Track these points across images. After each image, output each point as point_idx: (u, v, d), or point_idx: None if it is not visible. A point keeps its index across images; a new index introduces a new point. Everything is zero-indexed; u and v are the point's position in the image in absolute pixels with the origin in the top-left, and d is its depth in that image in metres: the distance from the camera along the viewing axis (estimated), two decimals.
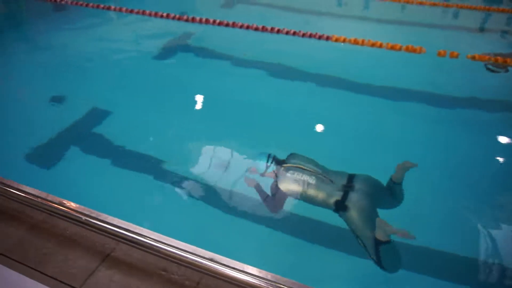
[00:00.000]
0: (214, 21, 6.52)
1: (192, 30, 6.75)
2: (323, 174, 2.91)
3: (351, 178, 2.88)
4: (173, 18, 6.71)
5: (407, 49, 5.77)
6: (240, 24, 6.38)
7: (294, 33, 6.20)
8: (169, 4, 7.63)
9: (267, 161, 3.06)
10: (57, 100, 4.93)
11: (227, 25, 6.40)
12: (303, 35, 6.15)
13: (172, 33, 6.69)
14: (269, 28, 6.27)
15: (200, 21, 6.59)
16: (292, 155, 3.15)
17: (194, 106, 4.93)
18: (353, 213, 2.70)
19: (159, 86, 5.34)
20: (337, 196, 2.76)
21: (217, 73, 5.66)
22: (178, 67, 5.85)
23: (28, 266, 2.09)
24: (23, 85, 5.22)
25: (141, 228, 2.19)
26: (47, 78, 5.42)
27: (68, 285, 1.97)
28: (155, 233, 2.15)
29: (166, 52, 6.12)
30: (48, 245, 2.22)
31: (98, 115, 4.60)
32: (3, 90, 5.11)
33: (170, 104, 4.92)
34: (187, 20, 6.62)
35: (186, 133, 4.40)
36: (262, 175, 3.11)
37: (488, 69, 5.57)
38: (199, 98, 5.06)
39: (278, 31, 6.23)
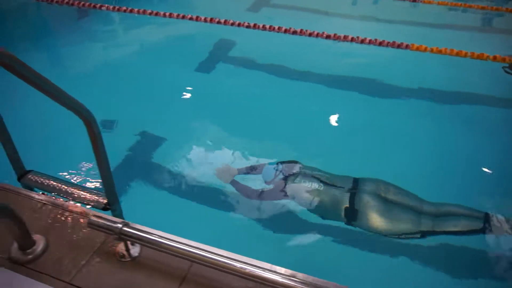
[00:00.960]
0: (254, 25, 6.14)
1: (225, 35, 6.36)
2: (331, 181, 2.91)
3: (356, 181, 2.90)
4: (204, 21, 6.38)
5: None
6: (285, 28, 6.00)
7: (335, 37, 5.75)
8: (193, 8, 7.34)
9: (276, 169, 3.10)
10: (103, 124, 4.08)
11: (264, 28, 6.06)
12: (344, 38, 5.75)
13: (206, 39, 6.28)
14: (305, 31, 5.89)
15: (233, 24, 6.24)
16: (302, 165, 3.16)
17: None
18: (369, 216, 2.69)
19: (210, 103, 4.74)
20: (346, 202, 2.76)
21: (264, 82, 5.20)
22: (223, 79, 5.30)
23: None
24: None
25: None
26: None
27: None
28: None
29: (207, 63, 5.60)
30: None
31: (150, 141, 4.08)
32: (35, 113, 4.19)
33: (230, 123, 4.34)
34: (219, 23, 6.27)
35: (244, 151, 3.88)
36: (269, 183, 3.12)
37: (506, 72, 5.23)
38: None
39: (318, 35, 5.82)
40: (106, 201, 2.10)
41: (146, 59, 5.73)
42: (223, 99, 4.81)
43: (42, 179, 2.20)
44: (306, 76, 5.28)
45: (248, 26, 6.11)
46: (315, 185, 2.90)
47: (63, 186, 2.20)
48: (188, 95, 4.92)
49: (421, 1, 7.90)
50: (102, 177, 1.99)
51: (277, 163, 3.19)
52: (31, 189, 2.19)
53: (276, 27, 5.99)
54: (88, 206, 2.10)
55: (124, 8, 6.66)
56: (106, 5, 6.76)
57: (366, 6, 8.22)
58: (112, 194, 2.08)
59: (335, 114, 4.53)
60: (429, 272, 2.74)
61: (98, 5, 6.76)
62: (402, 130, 4.26)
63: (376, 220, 2.74)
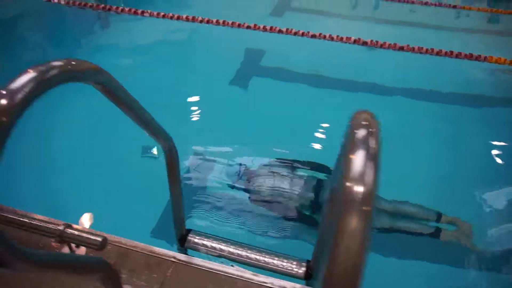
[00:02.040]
0: (287, 30, 5.84)
1: (251, 40, 6.14)
2: (293, 178, 2.93)
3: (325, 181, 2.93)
4: (232, 25, 6.07)
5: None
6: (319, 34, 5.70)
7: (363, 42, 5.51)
8: (215, 12, 7.00)
9: (239, 171, 3.08)
10: (147, 150, 3.69)
11: (293, 33, 5.77)
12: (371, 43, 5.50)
13: (229, 44, 6.04)
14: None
15: (263, 28, 5.94)
16: (266, 164, 3.18)
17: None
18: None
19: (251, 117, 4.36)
20: (310, 197, 2.80)
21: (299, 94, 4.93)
22: (256, 91, 4.97)
23: None
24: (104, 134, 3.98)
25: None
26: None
27: None
28: None
29: (241, 73, 5.29)
30: None
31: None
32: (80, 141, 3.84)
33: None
34: (248, 28, 5.97)
35: None
36: (233, 184, 3.09)
37: None
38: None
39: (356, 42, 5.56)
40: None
41: (167, 68, 5.46)
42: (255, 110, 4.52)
43: (205, 240, 1.79)
44: (339, 84, 5.06)
45: (280, 31, 5.85)
46: (279, 183, 2.94)
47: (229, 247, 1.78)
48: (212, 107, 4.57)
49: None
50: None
51: (239, 164, 3.18)
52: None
53: (310, 33, 5.72)
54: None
55: (140, 10, 6.39)
56: (119, 6, 6.49)
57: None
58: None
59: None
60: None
61: (114, 7, 6.47)
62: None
63: None
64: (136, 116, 1.26)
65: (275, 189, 2.91)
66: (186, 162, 3.50)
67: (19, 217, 1.43)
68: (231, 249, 1.71)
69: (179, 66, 5.46)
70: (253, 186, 2.97)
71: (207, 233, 1.79)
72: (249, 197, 2.98)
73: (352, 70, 5.36)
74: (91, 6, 6.69)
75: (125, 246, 1.76)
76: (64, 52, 5.59)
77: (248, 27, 5.91)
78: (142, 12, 6.25)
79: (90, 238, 1.30)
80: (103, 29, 6.91)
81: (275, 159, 3.24)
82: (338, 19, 7.39)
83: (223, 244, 1.73)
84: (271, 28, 5.87)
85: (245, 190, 3.04)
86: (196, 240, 1.76)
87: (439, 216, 2.96)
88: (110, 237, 1.75)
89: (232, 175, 3.11)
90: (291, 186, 2.91)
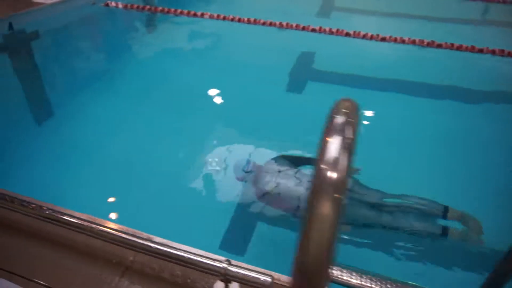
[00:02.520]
0: (337, 31, 5.81)
1: (304, 42, 5.99)
2: (301, 176, 2.90)
3: None
4: (272, 25, 6.13)
5: None
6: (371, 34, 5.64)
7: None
8: (260, 12, 6.93)
9: (246, 166, 3.05)
10: (215, 164, 3.60)
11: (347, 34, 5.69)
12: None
13: (278, 46, 5.92)
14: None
15: (315, 30, 5.96)
16: (272, 160, 3.14)
17: None
18: None
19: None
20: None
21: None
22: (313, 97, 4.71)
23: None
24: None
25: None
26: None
27: None
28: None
29: (294, 80, 5.06)
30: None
31: None
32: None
33: None
34: (296, 29, 6.00)
35: None
36: (239, 179, 3.10)
37: None
38: None
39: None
40: None
41: (208, 67, 5.45)
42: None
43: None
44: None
45: (331, 32, 5.85)
46: (285, 181, 2.89)
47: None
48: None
49: None
50: None
51: (248, 160, 3.10)
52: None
53: (366, 34, 5.65)
54: None
55: (186, 11, 6.56)
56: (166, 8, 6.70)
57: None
58: None
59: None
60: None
61: (166, 9, 6.72)
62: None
63: None
64: None
65: (281, 187, 2.87)
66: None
67: (183, 253, 1.60)
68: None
69: (217, 65, 5.51)
70: (260, 183, 2.95)
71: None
72: (255, 193, 2.97)
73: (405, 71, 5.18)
74: (149, 9, 6.94)
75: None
76: (120, 53, 5.93)
77: (296, 27, 5.93)
78: (188, 13, 6.49)
79: (259, 279, 1.34)
80: (155, 30, 7.10)
81: (282, 155, 3.21)
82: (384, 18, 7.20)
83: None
84: (320, 28, 5.88)
85: (252, 186, 3.02)
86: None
87: (446, 209, 2.81)
88: (275, 275, 1.78)
89: (240, 169, 3.08)
90: (297, 184, 2.87)
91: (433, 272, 2.67)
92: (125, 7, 6.87)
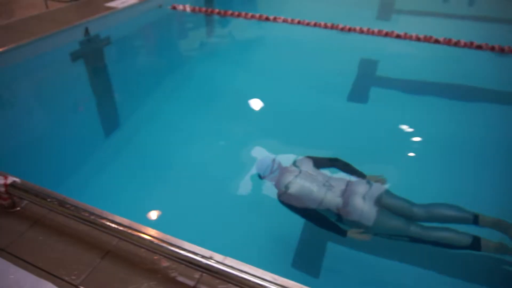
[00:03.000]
0: (405, 35, 5.53)
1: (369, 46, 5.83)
2: (325, 180, 2.89)
3: (351, 183, 2.87)
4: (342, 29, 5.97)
5: None
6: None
7: None
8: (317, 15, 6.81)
9: (271, 165, 3.04)
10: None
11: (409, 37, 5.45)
12: None
13: (346, 52, 5.77)
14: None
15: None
16: (298, 160, 3.12)
17: None
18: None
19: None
20: (338, 202, 2.76)
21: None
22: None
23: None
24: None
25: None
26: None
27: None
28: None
29: (358, 87, 4.87)
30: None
31: None
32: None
33: None
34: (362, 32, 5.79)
35: None
36: (264, 178, 3.08)
37: None
38: None
39: None
40: None
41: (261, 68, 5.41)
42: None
43: None
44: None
45: (398, 36, 5.62)
46: (309, 184, 2.85)
47: None
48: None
49: None
50: None
51: (273, 159, 3.10)
52: None
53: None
54: None
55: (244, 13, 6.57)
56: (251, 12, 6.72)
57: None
58: None
59: None
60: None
61: (236, 13, 6.78)
62: None
63: (366, 221, 2.69)
64: None
65: (301, 188, 2.83)
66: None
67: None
68: None
69: (282, 70, 5.41)
70: (282, 182, 2.92)
71: None
72: (277, 194, 2.93)
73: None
74: (218, 13, 7.00)
75: None
76: (188, 57, 6.11)
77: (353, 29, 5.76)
78: (245, 15, 6.54)
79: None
80: (222, 33, 7.18)
81: (307, 156, 3.15)
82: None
83: None
84: (384, 32, 5.64)
85: (275, 185, 3.00)
86: None
87: (476, 217, 2.66)
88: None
89: (264, 168, 3.07)
90: (320, 188, 2.82)
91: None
92: (193, 10, 7.02)
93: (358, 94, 4.68)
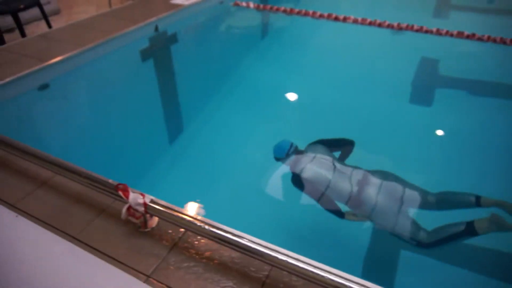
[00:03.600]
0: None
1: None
2: (340, 167, 2.87)
3: (367, 173, 2.82)
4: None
5: None
6: None
7: None
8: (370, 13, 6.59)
9: (289, 149, 3.04)
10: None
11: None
12: None
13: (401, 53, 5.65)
14: None
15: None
16: (311, 146, 3.12)
17: None
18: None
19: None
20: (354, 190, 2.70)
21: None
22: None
23: None
24: None
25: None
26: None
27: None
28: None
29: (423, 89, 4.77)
30: None
31: None
32: None
33: None
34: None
35: None
36: (280, 160, 3.09)
37: None
38: None
39: None
40: None
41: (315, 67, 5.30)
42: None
43: None
44: None
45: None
46: (325, 171, 2.83)
47: None
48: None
49: None
50: None
51: (290, 143, 3.10)
52: None
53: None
54: None
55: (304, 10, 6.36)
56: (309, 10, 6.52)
57: None
58: None
59: None
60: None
61: (303, 11, 6.55)
62: None
63: (378, 214, 2.67)
64: None
65: (312, 172, 2.83)
66: None
67: None
68: None
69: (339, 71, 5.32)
70: (296, 167, 2.93)
71: None
72: (291, 177, 2.95)
73: None
74: (284, 11, 6.80)
75: None
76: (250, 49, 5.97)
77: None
78: (329, 16, 6.27)
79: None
80: (285, 31, 7.02)
81: (320, 140, 3.17)
82: None
83: None
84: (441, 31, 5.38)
85: (290, 169, 3.00)
86: None
87: (477, 199, 2.67)
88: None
89: (281, 151, 3.08)
90: (334, 175, 2.81)
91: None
92: (257, 7, 6.85)
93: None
